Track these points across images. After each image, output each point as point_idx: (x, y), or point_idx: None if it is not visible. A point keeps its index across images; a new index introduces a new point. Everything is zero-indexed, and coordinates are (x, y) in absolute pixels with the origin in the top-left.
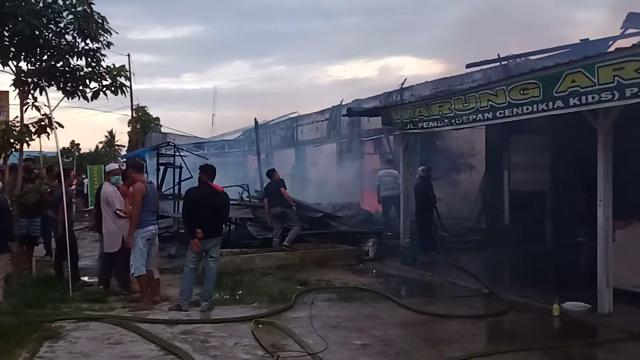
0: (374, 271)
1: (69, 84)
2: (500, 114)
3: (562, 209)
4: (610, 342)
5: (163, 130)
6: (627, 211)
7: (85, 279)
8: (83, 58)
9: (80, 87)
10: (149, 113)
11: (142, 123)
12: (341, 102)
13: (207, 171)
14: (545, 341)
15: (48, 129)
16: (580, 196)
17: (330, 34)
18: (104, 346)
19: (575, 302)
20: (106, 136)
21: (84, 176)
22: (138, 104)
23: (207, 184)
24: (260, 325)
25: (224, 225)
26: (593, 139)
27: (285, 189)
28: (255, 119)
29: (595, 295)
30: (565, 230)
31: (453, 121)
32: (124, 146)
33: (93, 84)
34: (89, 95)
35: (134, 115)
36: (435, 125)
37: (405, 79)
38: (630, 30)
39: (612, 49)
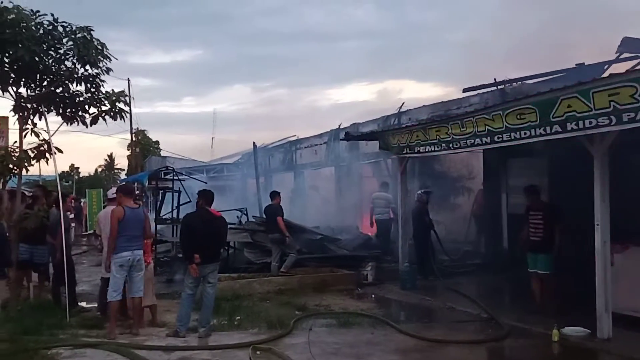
0: (373, 296)
1: (68, 110)
2: (498, 138)
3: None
4: None
5: (163, 154)
6: (624, 235)
7: (83, 304)
8: (82, 84)
9: (80, 113)
10: (148, 137)
11: (142, 147)
12: (339, 125)
13: (205, 196)
14: None
15: (47, 154)
16: (532, 223)
17: (330, 57)
18: None
19: (574, 327)
20: (106, 160)
21: (83, 200)
22: (138, 128)
23: (205, 209)
24: (258, 352)
25: (222, 250)
26: (590, 163)
27: (282, 216)
28: (254, 142)
29: (594, 320)
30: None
31: (451, 145)
32: (124, 170)
33: (92, 109)
34: (88, 120)
35: (134, 139)
36: (432, 149)
37: (403, 103)
38: (625, 55)
39: (607, 73)
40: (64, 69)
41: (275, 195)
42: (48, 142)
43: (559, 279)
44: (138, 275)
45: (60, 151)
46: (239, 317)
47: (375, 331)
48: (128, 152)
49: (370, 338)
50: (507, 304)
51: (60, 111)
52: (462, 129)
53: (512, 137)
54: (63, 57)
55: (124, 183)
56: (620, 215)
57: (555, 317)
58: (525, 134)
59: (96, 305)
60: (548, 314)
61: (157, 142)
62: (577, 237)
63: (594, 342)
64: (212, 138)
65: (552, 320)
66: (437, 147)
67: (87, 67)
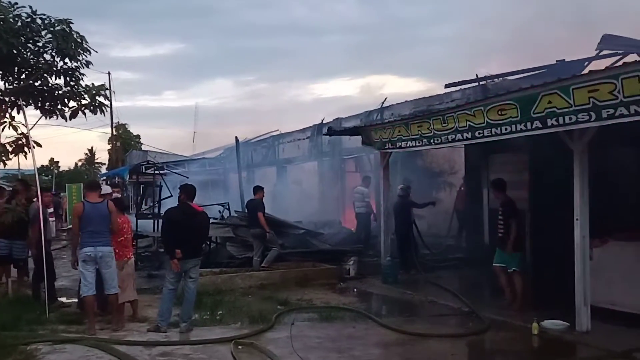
0: (355, 290)
1: (47, 103)
2: (479, 134)
3: (541, 227)
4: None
5: (144, 148)
6: (603, 230)
7: (63, 299)
8: (61, 77)
9: (59, 106)
10: (129, 131)
11: (123, 141)
12: (322, 120)
13: (187, 191)
14: (524, 359)
15: (25, 148)
16: (498, 218)
17: (313, 52)
18: None
19: (553, 320)
20: (86, 154)
21: (62, 194)
22: (118, 122)
23: (186, 204)
24: (240, 347)
25: (203, 245)
26: (570, 158)
27: (263, 212)
28: (236, 137)
29: (573, 313)
30: (544, 248)
31: (432, 141)
32: (104, 164)
33: (72, 103)
34: (68, 114)
35: (115, 133)
36: (414, 145)
37: (386, 98)
38: (605, 52)
39: (587, 69)
40: (43, 61)
41: (257, 190)
42: (26, 136)
43: (537, 274)
44: (106, 272)
45: (38, 145)
46: (220, 312)
47: (357, 325)
48: (109, 146)
49: (352, 332)
50: (487, 298)
51: (39, 104)
52: (443, 125)
53: (493, 133)
54: (42, 49)
55: (92, 179)
56: (599, 211)
57: (522, 313)
58: (506, 129)
59: (76, 300)
60: (517, 309)
61: (138, 136)
62: (558, 231)
63: (572, 335)
64: (194, 132)
65: (531, 314)
66: (419, 143)
67: (66, 60)
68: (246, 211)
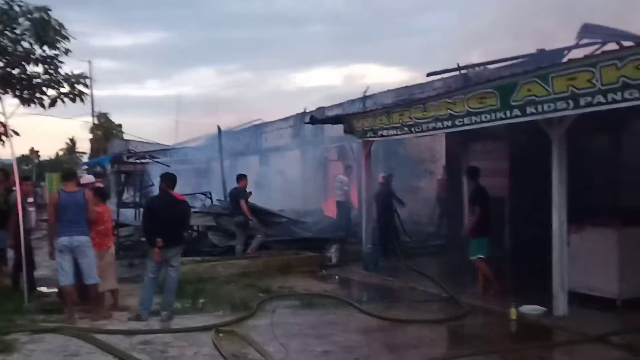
0: (337, 277)
1: (26, 91)
2: (459, 122)
3: (519, 214)
4: (565, 344)
5: (126, 137)
6: (580, 216)
7: (44, 289)
8: (40, 65)
9: (38, 95)
10: (111, 120)
11: (104, 130)
12: (305, 109)
13: (168, 180)
14: (502, 344)
15: (3, 137)
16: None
17: (296, 41)
18: (59, 358)
19: (531, 305)
20: (67, 143)
21: (42, 183)
22: (100, 111)
23: (167, 193)
24: (221, 334)
25: (185, 234)
26: (549, 146)
27: (246, 200)
28: (218, 126)
29: (550, 298)
30: (522, 235)
31: (413, 129)
32: (86, 153)
33: (51, 91)
34: (47, 103)
35: (96, 122)
36: (396, 133)
37: (368, 87)
38: (584, 41)
39: (567, 58)
40: (21, 49)
41: (240, 178)
42: (4, 125)
43: (516, 260)
44: (84, 261)
45: (16, 134)
46: (202, 300)
47: (337, 312)
48: (90, 136)
49: (332, 318)
50: (466, 284)
51: (17, 93)
52: (424, 113)
53: (473, 121)
54: (20, 37)
55: (69, 168)
56: (577, 197)
57: (501, 298)
58: (485, 117)
59: (56, 290)
60: (483, 295)
61: (119, 126)
62: (537, 218)
63: (550, 320)
64: (176, 121)
65: (510, 299)
66: (400, 131)
67: (45, 48)
68: (229, 199)
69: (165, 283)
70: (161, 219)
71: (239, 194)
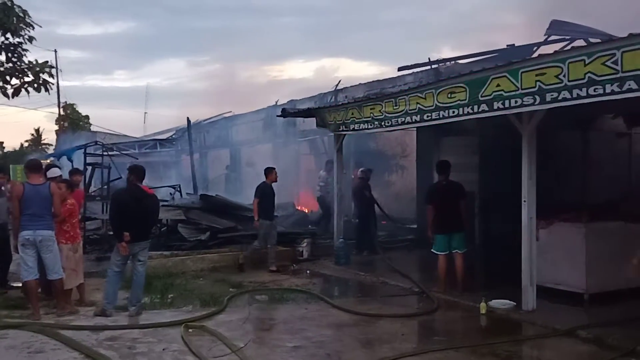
0: (308, 272)
1: None
2: (427, 116)
3: (489, 209)
4: (534, 338)
5: (93, 129)
6: (549, 212)
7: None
8: (3, 53)
9: (0, 84)
10: (78, 111)
11: (71, 121)
12: (276, 102)
13: (136, 172)
14: (472, 339)
15: None
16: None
17: (268, 33)
18: (23, 355)
19: (501, 299)
20: (32, 134)
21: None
22: (66, 102)
23: (135, 186)
24: (190, 330)
25: (153, 228)
26: (519, 141)
27: (260, 198)
28: (187, 118)
29: (520, 293)
30: (492, 230)
31: (383, 123)
32: (52, 145)
33: (14, 80)
34: (10, 92)
35: (62, 113)
36: (367, 127)
37: (340, 81)
38: (553, 37)
39: (536, 54)
40: None
41: (267, 172)
42: None
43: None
44: (47, 256)
45: None
46: (171, 295)
47: (309, 306)
48: (56, 127)
49: (304, 313)
50: (438, 278)
51: None
52: (394, 107)
53: (441, 116)
54: None
55: (34, 159)
56: (546, 193)
57: (472, 293)
58: (453, 112)
59: (20, 285)
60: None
61: (87, 117)
62: (507, 213)
63: (519, 314)
64: (145, 113)
65: (480, 294)
66: (371, 125)
67: (8, 35)
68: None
69: (133, 278)
70: (129, 212)
71: (255, 191)
